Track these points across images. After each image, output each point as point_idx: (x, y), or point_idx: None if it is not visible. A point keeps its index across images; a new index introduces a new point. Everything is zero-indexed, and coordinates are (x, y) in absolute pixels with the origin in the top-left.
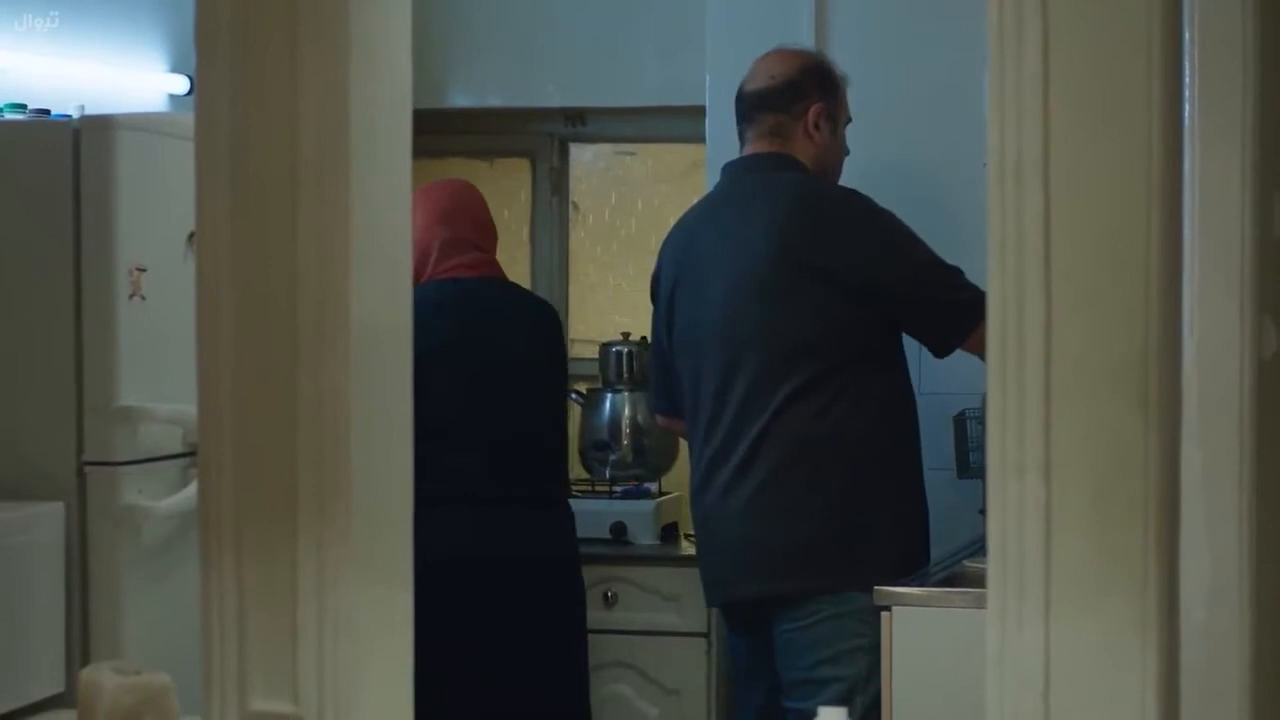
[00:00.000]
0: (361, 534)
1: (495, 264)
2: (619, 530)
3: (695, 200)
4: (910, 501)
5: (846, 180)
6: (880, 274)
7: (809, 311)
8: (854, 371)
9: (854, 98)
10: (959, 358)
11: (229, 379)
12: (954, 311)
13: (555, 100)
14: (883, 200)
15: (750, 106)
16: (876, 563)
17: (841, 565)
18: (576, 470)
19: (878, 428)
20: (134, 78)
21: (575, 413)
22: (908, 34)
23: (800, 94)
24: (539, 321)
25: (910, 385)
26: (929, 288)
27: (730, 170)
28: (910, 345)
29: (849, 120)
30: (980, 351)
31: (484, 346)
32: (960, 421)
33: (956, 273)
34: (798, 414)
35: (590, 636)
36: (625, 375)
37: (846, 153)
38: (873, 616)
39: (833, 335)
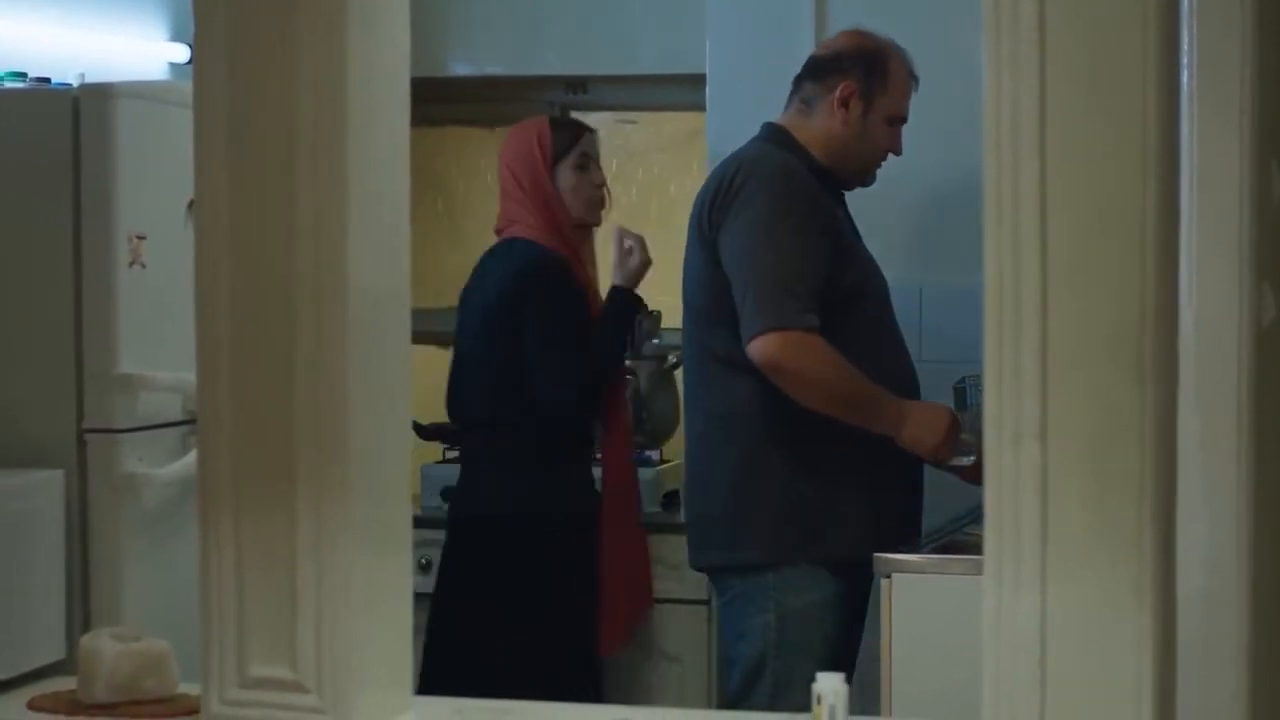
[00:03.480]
0: (359, 499)
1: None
2: None
3: (695, 169)
4: (830, 477)
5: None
6: (726, 258)
7: (708, 281)
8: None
9: None
10: (961, 324)
11: (228, 346)
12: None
13: (556, 68)
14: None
15: (800, 74)
16: (781, 537)
17: (743, 540)
18: None
19: (788, 402)
20: (134, 46)
21: None
22: (908, 6)
23: (839, 69)
24: None
25: (868, 361)
26: (744, 291)
27: None
28: (907, 316)
29: (901, 119)
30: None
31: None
32: (960, 389)
33: (780, 295)
34: (714, 384)
35: None
36: (628, 341)
37: (891, 149)
38: (777, 591)
39: (713, 298)
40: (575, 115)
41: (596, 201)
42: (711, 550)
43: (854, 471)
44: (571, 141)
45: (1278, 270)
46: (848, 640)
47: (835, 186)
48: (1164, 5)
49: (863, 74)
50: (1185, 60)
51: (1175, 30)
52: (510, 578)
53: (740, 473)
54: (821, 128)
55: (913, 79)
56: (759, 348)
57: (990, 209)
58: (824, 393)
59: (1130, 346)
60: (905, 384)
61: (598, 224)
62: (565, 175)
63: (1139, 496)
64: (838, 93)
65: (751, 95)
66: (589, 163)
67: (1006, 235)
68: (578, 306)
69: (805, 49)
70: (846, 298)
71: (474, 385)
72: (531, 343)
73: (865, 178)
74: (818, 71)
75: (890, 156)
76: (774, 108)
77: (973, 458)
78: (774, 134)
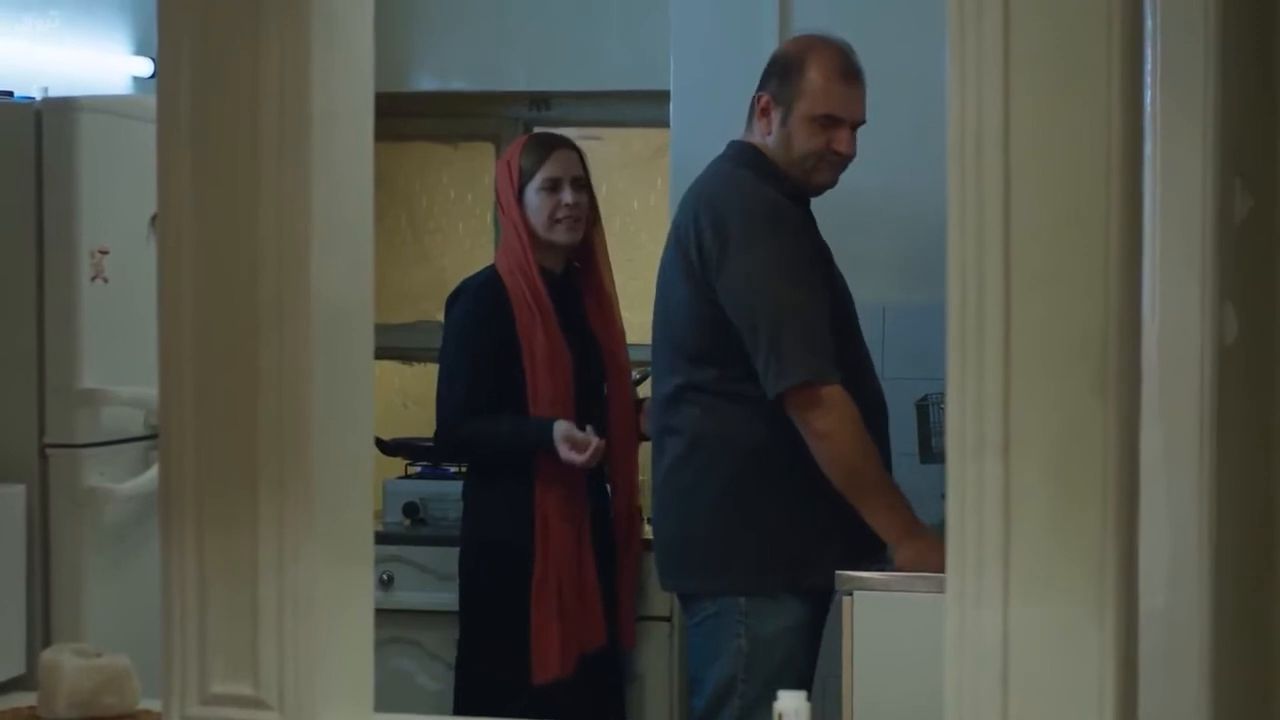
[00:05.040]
0: (322, 514)
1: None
2: None
3: (659, 185)
4: (799, 505)
5: None
6: (732, 301)
7: (704, 319)
8: (742, 374)
9: None
10: (923, 341)
11: (190, 360)
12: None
13: (520, 84)
14: (843, 181)
15: None
16: (762, 566)
17: (725, 566)
18: None
19: (764, 430)
20: (98, 60)
21: None
22: (872, 16)
23: (761, 82)
24: None
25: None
26: (766, 337)
27: None
28: (871, 333)
29: (830, 117)
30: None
31: None
32: (922, 407)
33: (808, 344)
34: (698, 409)
35: None
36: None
37: (829, 149)
38: (749, 617)
39: (708, 335)
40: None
41: (565, 222)
42: (688, 574)
43: (836, 501)
44: (538, 163)
45: (1241, 288)
46: (813, 663)
47: (804, 201)
48: (1128, 22)
49: (777, 81)
50: (1149, 78)
51: (1139, 48)
52: (465, 599)
53: (724, 498)
54: (759, 141)
55: (850, 74)
56: (796, 401)
57: (953, 224)
58: (842, 470)
59: (1093, 361)
60: (873, 411)
61: (571, 244)
62: (532, 197)
63: (1101, 511)
64: (757, 105)
65: (716, 112)
66: (557, 185)
67: (970, 250)
68: (489, 336)
69: None
70: (835, 327)
71: None
72: (441, 359)
73: (814, 184)
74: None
75: (860, 161)
76: (738, 124)
77: None
78: (744, 155)
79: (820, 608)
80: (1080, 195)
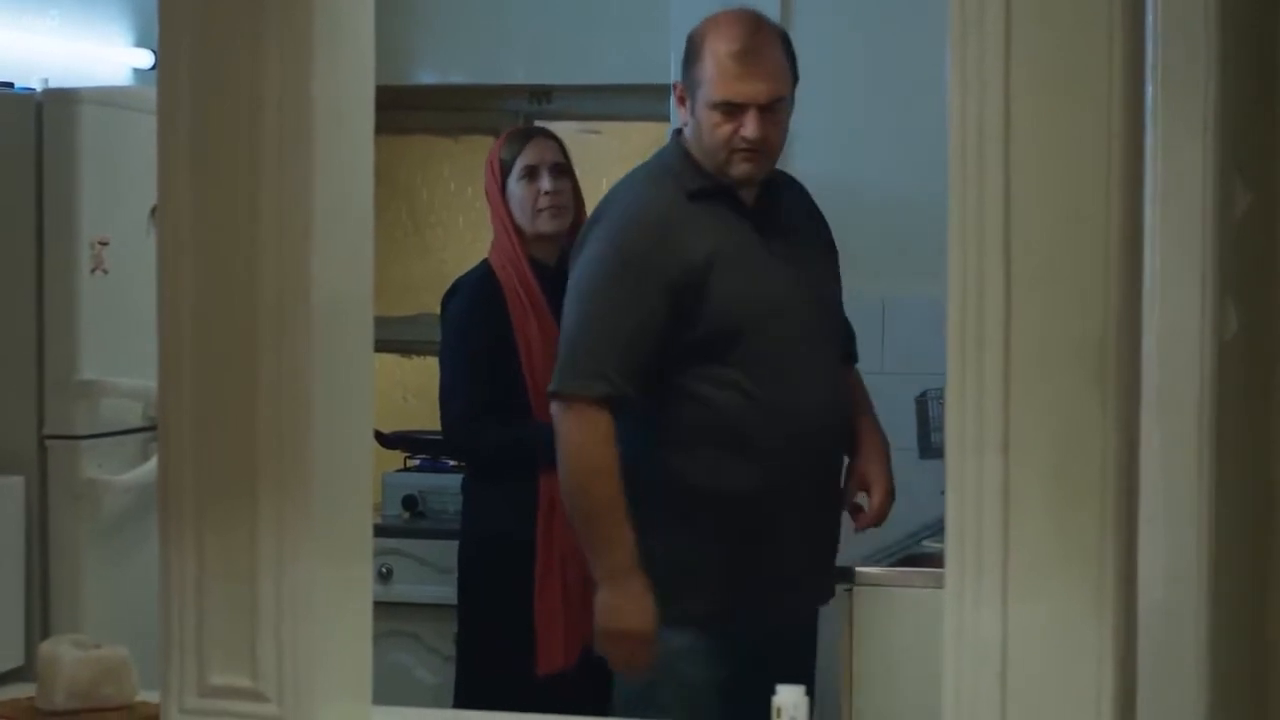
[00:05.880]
0: (321, 507)
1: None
2: None
3: None
4: (683, 534)
5: (810, 153)
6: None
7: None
8: (657, 392)
9: (819, 75)
10: (923, 336)
11: (189, 353)
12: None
13: (520, 77)
14: (843, 176)
15: None
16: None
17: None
18: None
19: (671, 456)
20: (98, 51)
21: None
22: (873, 11)
23: None
24: None
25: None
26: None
27: None
28: (869, 329)
29: (726, 103)
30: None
31: None
32: (922, 402)
33: (575, 355)
34: (621, 433)
35: None
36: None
37: (735, 134)
38: (693, 654)
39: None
40: (540, 124)
41: (547, 211)
42: None
43: (709, 528)
44: (516, 153)
45: (1241, 284)
46: (738, 688)
47: (732, 201)
48: (1129, 20)
49: (684, 66)
50: (1150, 75)
51: (1140, 46)
52: (466, 592)
53: (644, 526)
54: (686, 136)
55: (753, 50)
56: (552, 409)
57: (954, 222)
58: (563, 488)
59: (1093, 358)
60: (819, 427)
61: (558, 233)
62: (514, 188)
63: (1101, 508)
64: (675, 95)
65: None
66: (535, 173)
67: (971, 246)
68: (485, 333)
69: None
70: (708, 341)
71: None
72: (441, 359)
73: (734, 176)
74: None
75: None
76: None
77: None
78: (664, 150)
79: (734, 638)
80: (1081, 192)
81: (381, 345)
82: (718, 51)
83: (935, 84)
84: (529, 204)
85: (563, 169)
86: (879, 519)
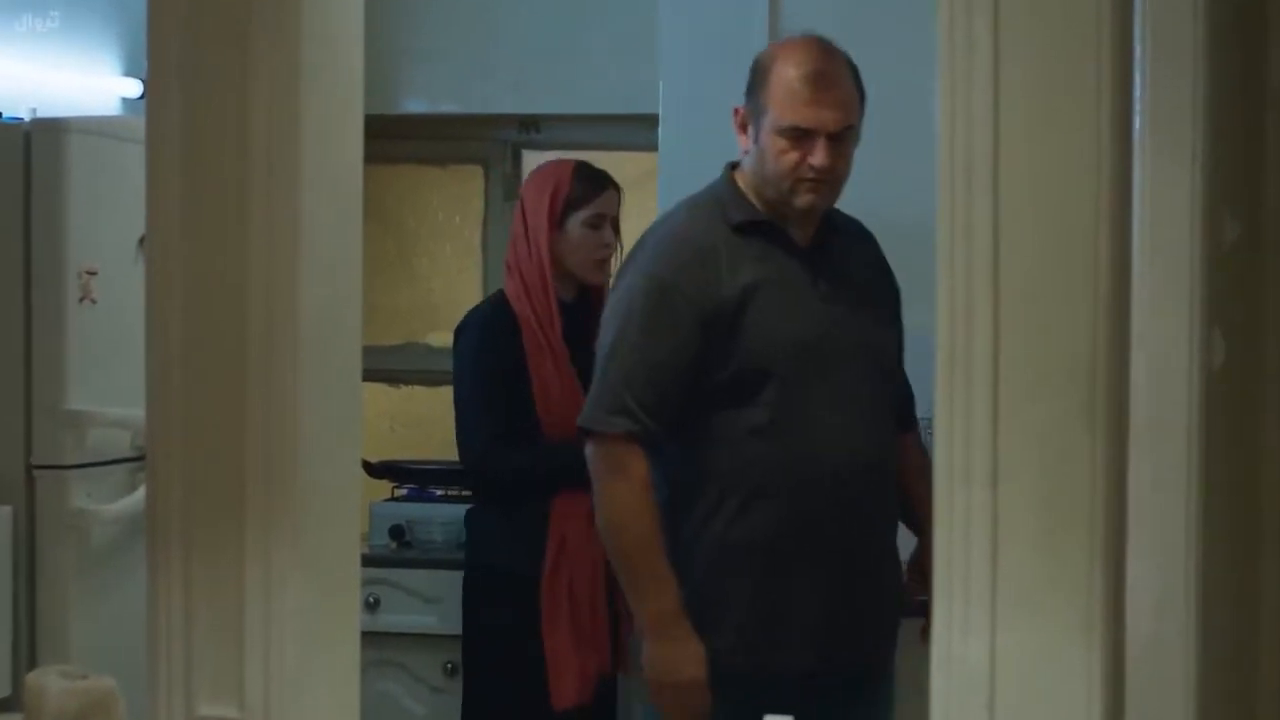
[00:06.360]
0: (309, 537)
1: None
2: None
3: (649, 208)
4: (712, 575)
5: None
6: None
7: None
8: (683, 434)
9: None
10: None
11: (178, 382)
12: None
13: (508, 107)
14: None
15: None
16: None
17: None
18: None
19: (696, 503)
20: (86, 81)
21: None
22: (861, 39)
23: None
24: None
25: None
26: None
27: None
28: None
29: (795, 129)
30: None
31: None
32: None
33: (603, 391)
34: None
35: None
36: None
37: (802, 162)
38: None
39: None
40: (529, 153)
41: (601, 263)
42: None
43: (734, 580)
44: (591, 196)
45: (1228, 314)
46: None
47: (778, 235)
48: (1117, 50)
49: (749, 93)
50: (1138, 104)
51: (1128, 74)
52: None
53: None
54: (746, 165)
55: (826, 76)
56: (586, 446)
57: (942, 251)
58: (601, 532)
59: (1081, 389)
60: (848, 476)
61: (597, 284)
62: (574, 228)
63: (1089, 539)
64: (736, 122)
65: (705, 136)
66: (603, 222)
67: (959, 278)
68: (499, 364)
69: None
70: (738, 381)
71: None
72: (458, 396)
73: (796, 207)
74: None
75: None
76: (727, 148)
77: None
78: (717, 182)
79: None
80: (1069, 222)
81: (369, 374)
82: (787, 75)
83: (922, 112)
84: (586, 251)
85: (617, 225)
86: None
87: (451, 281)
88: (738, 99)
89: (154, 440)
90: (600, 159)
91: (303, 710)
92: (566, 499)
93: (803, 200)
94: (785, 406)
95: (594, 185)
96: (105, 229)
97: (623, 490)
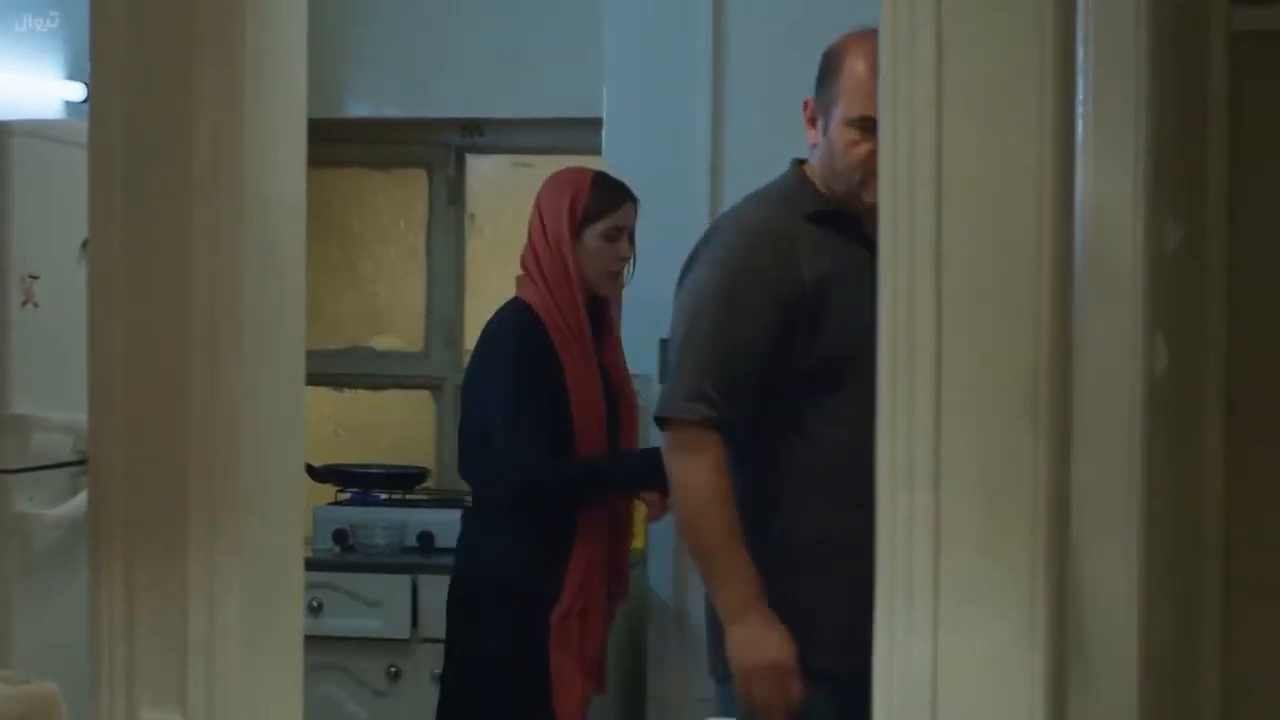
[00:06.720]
0: (251, 541)
1: (524, 281)
2: None
3: None
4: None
5: (740, 177)
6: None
7: None
8: (762, 425)
9: (751, 107)
10: None
11: (121, 387)
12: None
13: (452, 111)
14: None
15: None
16: (715, 646)
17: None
18: None
19: (777, 499)
20: (30, 84)
21: None
22: (806, 44)
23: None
24: None
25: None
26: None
27: None
28: None
29: (864, 118)
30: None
31: None
32: None
33: (683, 377)
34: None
35: None
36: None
37: (870, 155)
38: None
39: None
40: (473, 157)
41: (615, 275)
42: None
43: (816, 579)
44: (609, 208)
45: (1171, 318)
46: None
47: (851, 226)
48: (1059, 55)
49: (819, 84)
50: (1080, 110)
51: (1071, 81)
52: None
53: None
54: (815, 159)
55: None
56: (662, 437)
57: (885, 256)
58: (679, 521)
59: (1024, 392)
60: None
61: (611, 296)
62: (592, 239)
63: (1032, 542)
64: (805, 115)
65: (648, 139)
66: (619, 235)
67: (901, 281)
68: (541, 370)
69: (703, 94)
70: (820, 371)
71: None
72: (497, 407)
73: (863, 202)
74: None
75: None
76: (671, 151)
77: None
78: (783, 176)
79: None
80: (1012, 227)
81: (313, 378)
82: (857, 67)
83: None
84: (602, 262)
85: (631, 238)
86: None
87: (396, 285)
88: (682, 104)
89: (96, 444)
90: (544, 162)
91: (245, 714)
92: (589, 520)
93: (872, 193)
94: (870, 397)
95: (613, 197)
96: (48, 233)
97: (704, 477)
